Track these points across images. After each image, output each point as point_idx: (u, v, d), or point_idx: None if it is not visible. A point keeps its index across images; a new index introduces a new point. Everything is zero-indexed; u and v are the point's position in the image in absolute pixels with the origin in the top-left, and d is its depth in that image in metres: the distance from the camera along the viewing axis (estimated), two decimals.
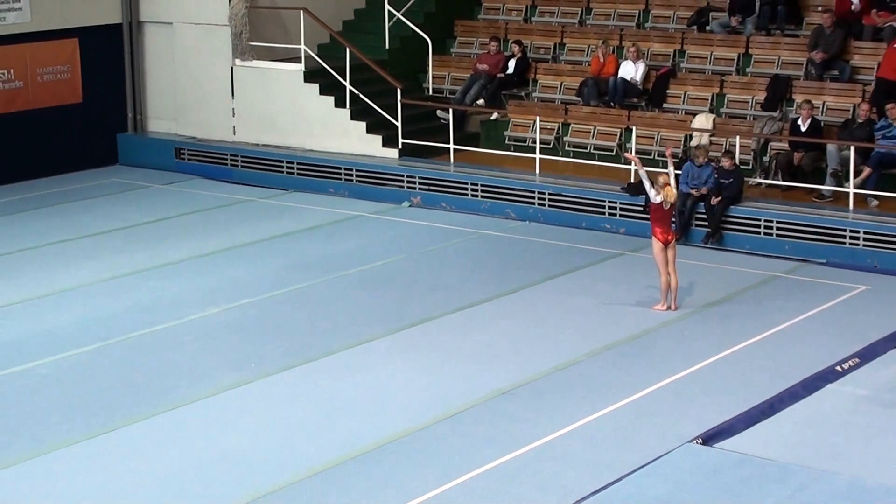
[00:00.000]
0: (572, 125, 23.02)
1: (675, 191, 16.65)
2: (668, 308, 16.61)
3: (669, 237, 16.59)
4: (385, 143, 23.46)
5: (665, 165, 19.90)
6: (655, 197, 16.51)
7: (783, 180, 20.50)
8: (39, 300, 17.35)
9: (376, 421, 13.22)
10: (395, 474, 11.98)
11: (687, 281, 17.79)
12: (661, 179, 16.57)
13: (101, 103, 25.67)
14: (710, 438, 12.69)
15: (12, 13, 23.98)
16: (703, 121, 21.84)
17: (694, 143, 21.64)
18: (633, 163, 17.48)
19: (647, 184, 16.64)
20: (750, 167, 21.03)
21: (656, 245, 16.56)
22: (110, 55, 25.74)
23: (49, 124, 24.82)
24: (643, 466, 12.06)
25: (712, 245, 19.58)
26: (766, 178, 20.72)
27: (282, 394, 14.04)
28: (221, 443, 12.75)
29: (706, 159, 19.87)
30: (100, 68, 25.55)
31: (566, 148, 22.96)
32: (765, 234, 19.44)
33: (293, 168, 23.87)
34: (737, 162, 20.10)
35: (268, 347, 15.41)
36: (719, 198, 19.57)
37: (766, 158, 21.10)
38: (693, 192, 19.69)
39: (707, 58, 23.21)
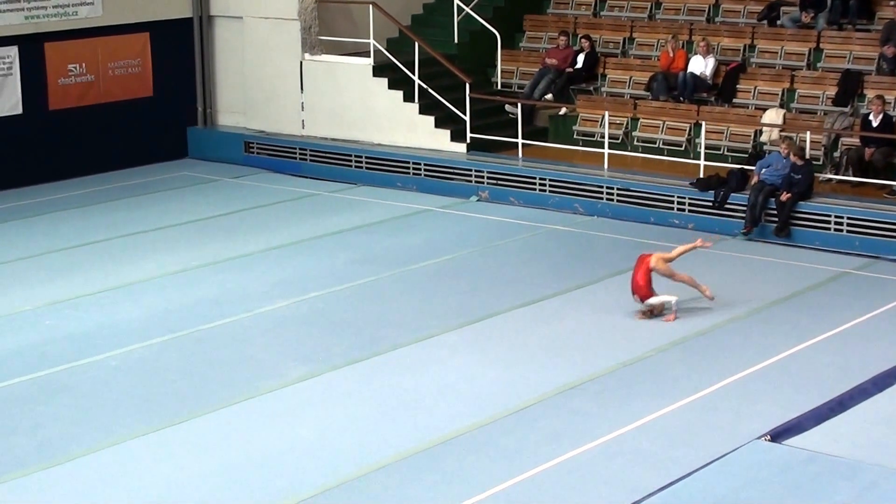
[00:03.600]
0: (641, 120, 22.93)
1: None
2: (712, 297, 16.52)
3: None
4: (453, 138, 23.46)
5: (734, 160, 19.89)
6: None
7: (854, 176, 20.29)
8: (109, 292, 17.51)
9: (443, 415, 13.23)
10: (461, 469, 11.98)
11: (757, 276, 17.72)
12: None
13: (172, 97, 25.87)
14: (778, 435, 12.61)
15: (85, 7, 24.21)
16: (774, 116, 21.66)
17: (764, 138, 21.50)
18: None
19: None
20: (820, 163, 20.84)
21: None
22: (181, 49, 25.93)
23: (120, 118, 25.05)
24: (711, 463, 12.00)
25: (781, 240, 19.42)
26: (836, 173, 20.53)
27: (348, 387, 14.08)
28: (288, 435, 12.81)
29: (790, 151, 19.73)
30: (170, 62, 25.75)
31: (635, 143, 22.86)
32: (835, 230, 19.26)
33: (361, 162, 23.93)
34: (808, 157, 19.93)
35: (335, 341, 15.47)
36: (789, 194, 19.41)
37: (836, 154, 20.91)
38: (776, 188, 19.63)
39: (777, 53, 23.03)
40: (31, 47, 23.62)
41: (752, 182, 19.86)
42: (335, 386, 14.12)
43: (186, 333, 15.83)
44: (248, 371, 14.53)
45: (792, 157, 19.58)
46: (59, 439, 12.76)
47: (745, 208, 19.72)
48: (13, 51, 23.39)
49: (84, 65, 24.48)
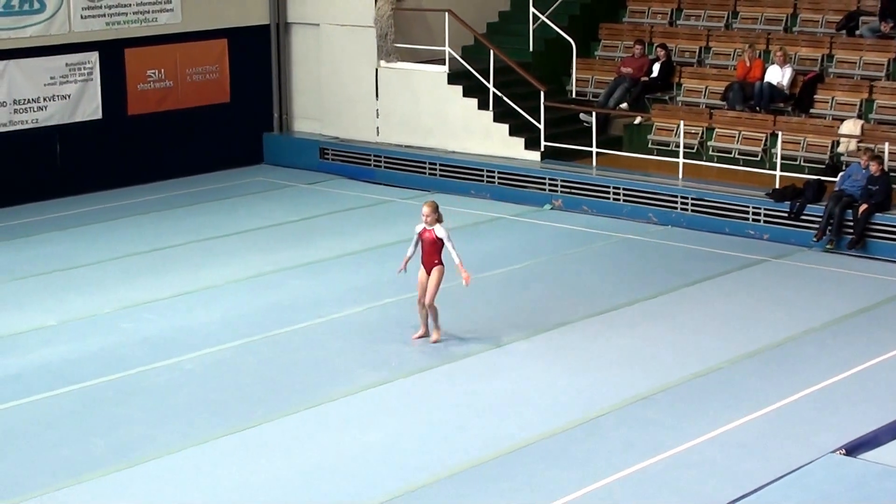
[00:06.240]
0: (717, 129, 22.81)
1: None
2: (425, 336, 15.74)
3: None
4: (527, 146, 23.46)
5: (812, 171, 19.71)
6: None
7: None
8: (185, 296, 17.67)
9: (514, 423, 13.24)
10: (532, 477, 11.98)
11: (832, 288, 17.58)
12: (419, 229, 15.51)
13: (248, 103, 26.09)
14: (853, 449, 12.49)
15: (164, 14, 24.48)
16: (851, 126, 21.48)
17: (841, 149, 21.32)
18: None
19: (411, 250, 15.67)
20: None
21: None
22: (258, 56, 26.14)
23: (197, 123, 25.30)
24: (784, 476, 11.91)
25: (856, 252, 19.25)
26: None
27: (421, 394, 14.12)
28: (360, 441, 12.87)
29: (869, 161, 19.57)
30: (247, 69, 25.97)
31: (710, 152, 22.75)
32: None
33: (435, 169, 23.99)
34: (885, 168, 19.75)
35: (408, 347, 15.50)
36: (866, 205, 19.23)
37: None
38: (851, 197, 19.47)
39: (856, 63, 22.83)
40: (112, 53, 23.93)
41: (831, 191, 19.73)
42: (407, 392, 14.17)
43: (260, 338, 15.94)
44: (321, 376, 14.61)
45: (872, 168, 19.40)
46: (135, 441, 12.89)
47: (819, 219, 19.55)
48: (94, 56, 23.70)
49: (163, 71, 24.75)
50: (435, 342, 15.62)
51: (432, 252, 15.50)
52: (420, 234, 15.54)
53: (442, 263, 15.51)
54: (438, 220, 15.44)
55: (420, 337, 15.76)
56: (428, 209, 15.43)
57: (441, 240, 15.42)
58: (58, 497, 11.72)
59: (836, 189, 19.75)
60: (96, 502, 11.64)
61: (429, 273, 15.52)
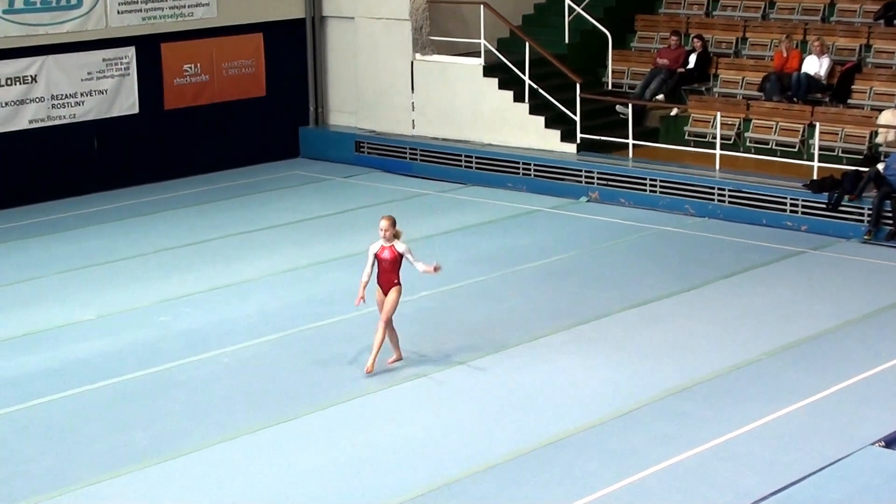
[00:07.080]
0: (754, 121, 22.71)
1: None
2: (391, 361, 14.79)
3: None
4: (563, 138, 23.42)
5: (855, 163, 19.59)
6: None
7: None
8: (222, 290, 17.73)
9: (552, 416, 13.23)
10: (570, 470, 11.97)
11: (870, 280, 17.48)
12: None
13: (284, 97, 26.15)
14: (892, 442, 12.43)
15: (200, 8, 24.55)
16: (890, 117, 21.34)
17: (879, 139, 21.20)
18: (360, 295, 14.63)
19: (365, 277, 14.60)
20: None
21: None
22: (293, 49, 26.19)
23: (233, 117, 25.38)
24: (822, 469, 11.86)
25: (895, 244, 19.13)
26: None
27: (458, 387, 14.12)
28: (398, 434, 12.88)
29: None
30: (283, 62, 26.02)
31: (747, 144, 22.65)
32: None
33: (471, 162, 23.98)
34: None
35: (443, 341, 15.51)
36: None
37: None
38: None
39: (894, 53, 22.68)
40: (148, 48, 24.03)
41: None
42: (444, 386, 14.17)
43: (297, 331, 15.98)
44: (358, 369, 14.62)
45: None
46: (173, 434, 12.96)
47: (857, 210, 19.45)
48: (131, 51, 23.81)
49: (199, 65, 24.83)
50: (394, 362, 14.72)
51: (391, 271, 14.47)
52: (377, 254, 14.47)
53: (400, 283, 14.55)
54: (396, 235, 14.56)
55: (395, 361, 14.76)
56: (387, 223, 14.35)
57: (401, 255, 14.49)
58: (97, 490, 11.78)
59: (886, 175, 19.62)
60: (135, 495, 11.71)
61: (386, 294, 14.58)
